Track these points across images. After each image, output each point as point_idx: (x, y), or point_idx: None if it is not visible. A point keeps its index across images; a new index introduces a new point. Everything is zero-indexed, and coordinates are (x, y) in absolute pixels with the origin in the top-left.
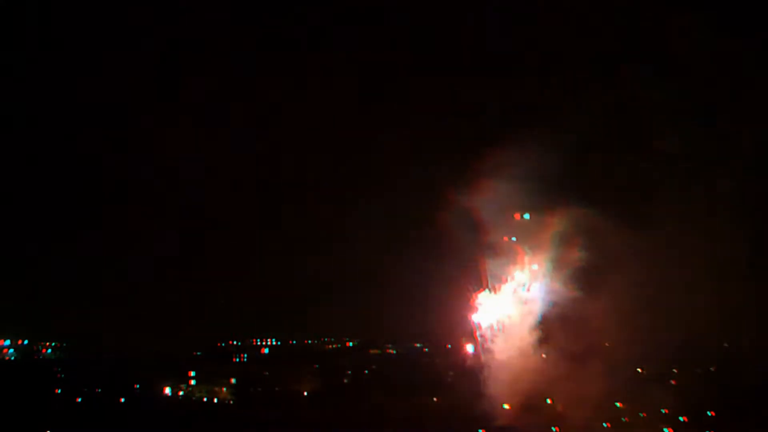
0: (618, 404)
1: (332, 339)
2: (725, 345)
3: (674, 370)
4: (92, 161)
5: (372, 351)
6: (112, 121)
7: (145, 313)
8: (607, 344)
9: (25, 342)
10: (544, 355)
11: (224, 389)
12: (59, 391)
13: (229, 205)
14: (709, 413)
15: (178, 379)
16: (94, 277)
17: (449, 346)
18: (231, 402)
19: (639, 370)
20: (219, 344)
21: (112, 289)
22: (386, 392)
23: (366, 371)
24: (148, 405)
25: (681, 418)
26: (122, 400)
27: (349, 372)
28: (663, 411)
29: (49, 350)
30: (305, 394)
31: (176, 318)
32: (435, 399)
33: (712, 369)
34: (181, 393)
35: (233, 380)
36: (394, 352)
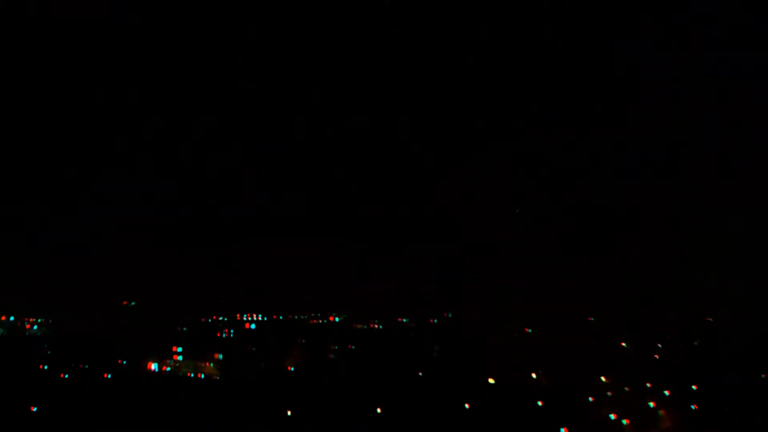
0: (603, 378)
1: (318, 314)
2: (708, 319)
3: (658, 345)
4: None
5: (357, 326)
6: None
7: (130, 289)
8: (591, 318)
9: (11, 318)
10: (528, 330)
11: (210, 365)
12: (45, 367)
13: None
14: (693, 387)
15: (164, 355)
16: (76, 253)
17: (434, 321)
18: (217, 378)
19: (623, 344)
20: (204, 320)
21: (94, 265)
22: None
23: (352, 346)
24: (134, 381)
25: (665, 392)
26: (107, 376)
27: (335, 347)
28: (647, 385)
29: (35, 326)
30: (291, 369)
31: (161, 292)
32: (420, 373)
33: (695, 343)
34: (167, 369)
35: (219, 356)
36: (380, 327)
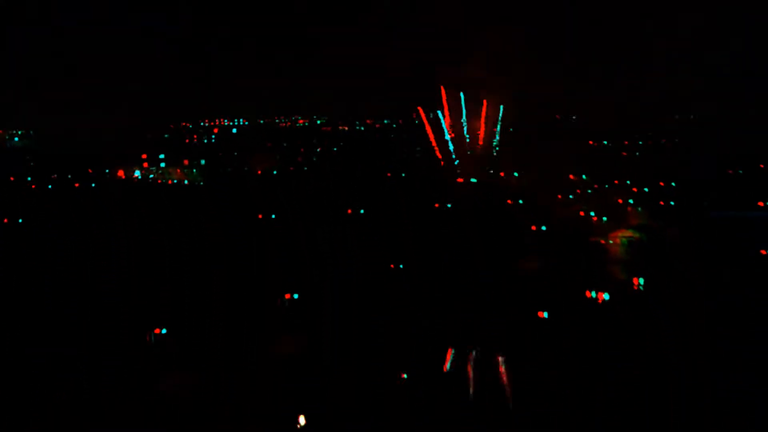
0: (570, 176)
1: (298, 117)
2: (676, 117)
3: (625, 143)
4: None
5: (341, 127)
6: None
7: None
8: (558, 116)
9: None
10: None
11: (194, 171)
12: (29, 179)
13: None
14: (673, 184)
15: (146, 162)
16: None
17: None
18: (201, 183)
19: (590, 142)
20: (184, 124)
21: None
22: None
23: (335, 148)
24: (117, 189)
25: (632, 189)
26: (93, 185)
27: (318, 150)
28: (614, 182)
29: (16, 138)
30: (274, 173)
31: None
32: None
33: (662, 141)
34: (150, 176)
35: (202, 161)
36: (361, 129)
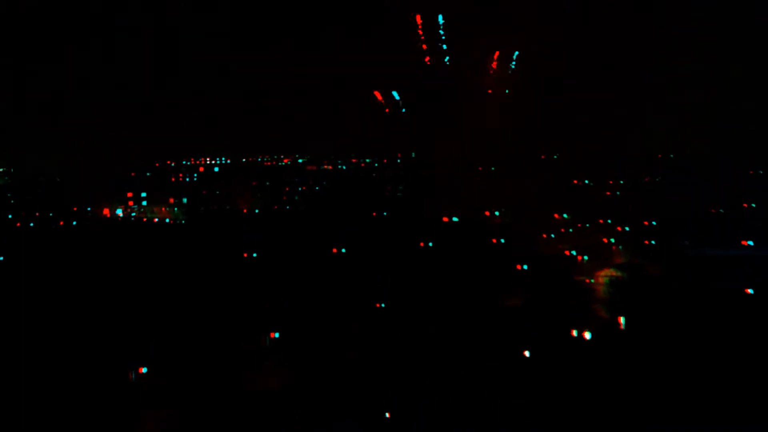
0: (555, 215)
1: (281, 156)
2: (659, 156)
3: (609, 182)
4: None
5: (327, 167)
6: None
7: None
8: (543, 156)
9: None
10: (480, 168)
11: (175, 209)
12: (10, 216)
13: None
14: (653, 222)
15: (127, 200)
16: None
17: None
18: (182, 222)
19: (575, 181)
20: (168, 162)
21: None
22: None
23: (317, 187)
24: (101, 227)
25: (618, 228)
26: (74, 222)
27: (301, 189)
28: (599, 222)
29: None
30: (256, 212)
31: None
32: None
33: (645, 179)
34: (132, 214)
35: (184, 200)
36: (343, 167)
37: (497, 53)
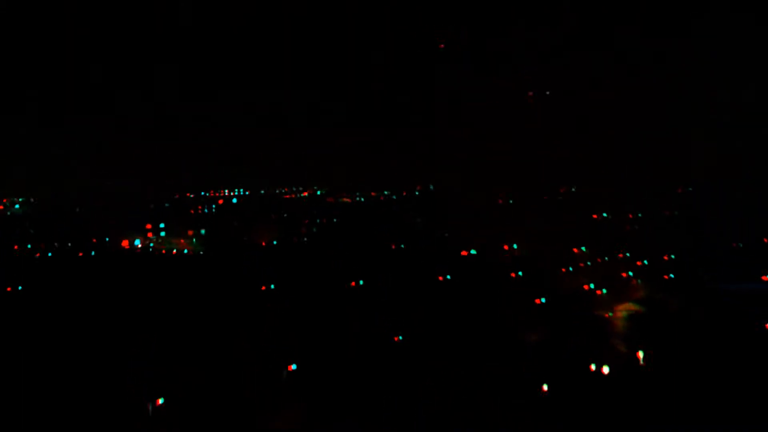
0: (574, 249)
1: (300, 188)
2: (678, 190)
3: (629, 216)
4: None
5: (345, 199)
6: None
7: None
8: (562, 189)
9: None
10: (500, 201)
11: (194, 241)
12: (29, 246)
13: None
14: (672, 256)
15: (145, 231)
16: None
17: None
18: (201, 253)
19: (594, 215)
20: (187, 194)
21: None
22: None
23: (334, 219)
24: (119, 259)
25: (638, 262)
26: (92, 253)
27: (318, 221)
28: (618, 255)
29: (17, 206)
30: (274, 243)
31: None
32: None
33: (665, 213)
34: (151, 245)
35: (202, 231)
36: (361, 200)
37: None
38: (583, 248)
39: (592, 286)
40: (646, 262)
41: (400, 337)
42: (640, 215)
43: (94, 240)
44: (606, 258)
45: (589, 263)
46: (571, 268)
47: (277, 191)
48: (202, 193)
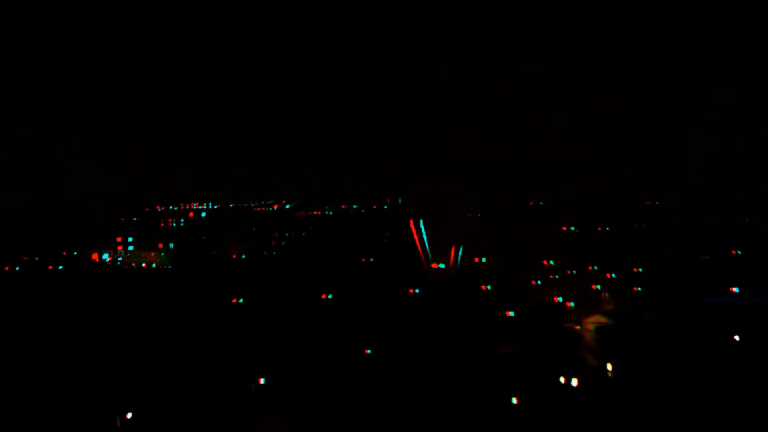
0: (543, 262)
1: (267, 202)
2: (648, 203)
3: (599, 228)
4: None
5: (315, 212)
6: None
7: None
8: (531, 203)
9: None
10: (469, 215)
11: (162, 254)
12: None
13: None
14: (640, 269)
15: (112, 245)
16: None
17: (385, 207)
18: (169, 267)
19: (563, 228)
20: (158, 207)
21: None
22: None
23: (304, 233)
24: (88, 274)
25: (606, 275)
26: (60, 267)
27: (287, 234)
28: (587, 268)
29: None
30: (243, 257)
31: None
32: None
33: (633, 226)
34: (119, 259)
35: (171, 245)
36: (330, 213)
37: None
38: (552, 261)
39: (560, 299)
40: (614, 275)
41: (369, 351)
42: (608, 228)
43: (63, 253)
44: (575, 271)
45: (558, 276)
46: (540, 281)
47: (247, 204)
48: (171, 207)
